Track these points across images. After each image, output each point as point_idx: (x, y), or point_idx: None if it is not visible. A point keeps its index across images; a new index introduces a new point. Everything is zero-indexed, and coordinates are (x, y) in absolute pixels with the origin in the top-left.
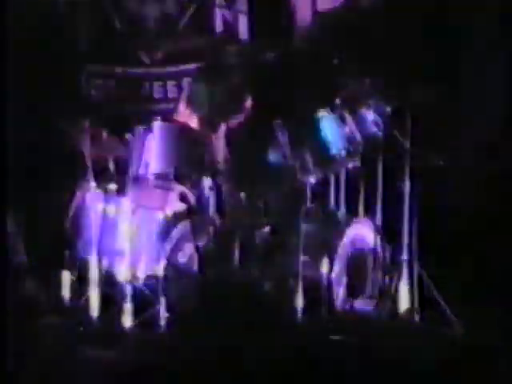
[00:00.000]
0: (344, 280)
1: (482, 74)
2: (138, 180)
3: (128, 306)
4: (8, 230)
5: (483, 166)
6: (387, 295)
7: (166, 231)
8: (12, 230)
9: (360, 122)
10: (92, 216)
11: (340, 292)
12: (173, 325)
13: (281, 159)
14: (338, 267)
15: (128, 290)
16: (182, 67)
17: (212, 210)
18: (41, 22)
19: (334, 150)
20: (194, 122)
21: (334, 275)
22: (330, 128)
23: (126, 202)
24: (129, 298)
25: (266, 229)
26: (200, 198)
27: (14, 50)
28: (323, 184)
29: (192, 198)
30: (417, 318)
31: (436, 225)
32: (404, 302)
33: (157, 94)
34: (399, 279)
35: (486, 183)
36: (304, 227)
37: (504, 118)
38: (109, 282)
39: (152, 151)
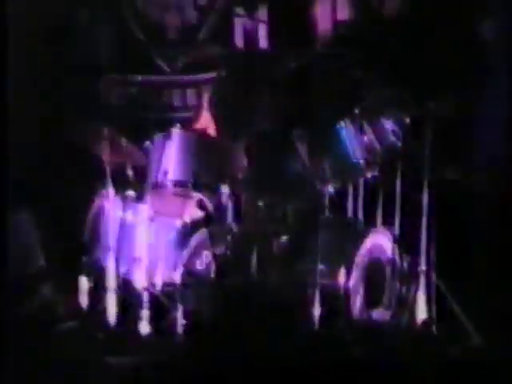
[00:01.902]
0: (361, 290)
1: (503, 87)
2: (156, 187)
3: (145, 313)
4: (26, 235)
5: (502, 177)
6: (405, 306)
7: (183, 239)
8: (31, 236)
9: (379, 132)
10: (110, 223)
11: (357, 302)
12: (190, 332)
13: (300, 168)
14: (355, 277)
15: (145, 297)
16: (202, 76)
17: (230, 218)
18: (62, 32)
19: (352, 160)
20: (213, 130)
21: (351, 285)
22: (349, 138)
23: (145, 209)
24: (146, 305)
25: (284, 238)
26: (218, 206)
27: (36, 58)
28: (342, 194)
29: (210, 206)
30: (434, 329)
31: (455, 235)
32: (421, 313)
33: (176, 102)
34: (417, 290)
35: (504, 195)
36: (322, 236)
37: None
38: (126, 288)
39: (171, 159)
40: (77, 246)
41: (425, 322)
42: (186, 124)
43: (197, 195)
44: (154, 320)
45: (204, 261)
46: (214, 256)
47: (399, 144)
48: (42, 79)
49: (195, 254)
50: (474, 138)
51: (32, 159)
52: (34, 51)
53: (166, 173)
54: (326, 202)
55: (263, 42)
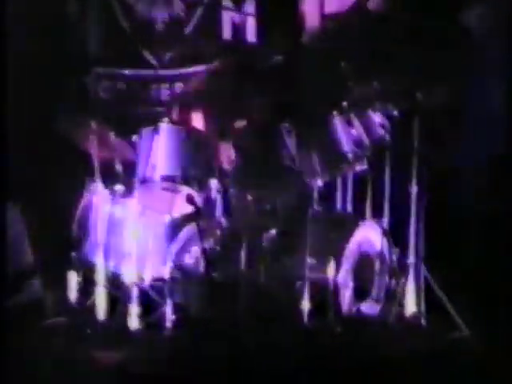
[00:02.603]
0: (350, 283)
1: (491, 78)
2: (145, 182)
3: (134, 308)
4: (13, 230)
5: (492, 168)
6: (394, 298)
7: (172, 233)
8: (18, 231)
9: (367, 125)
10: (99, 218)
11: (347, 295)
12: (179, 327)
13: (288, 162)
14: (344, 270)
15: (134, 292)
16: (190, 69)
17: (219, 212)
18: (49, 23)
19: (341, 153)
20: (201, 124)
21: (340, 278)
22: (338, 131)
23: (133, 204)
24: (135, 300)
25: (273, 231)
26: (207, 200)
27: (20, 50)
28: (330, 187)
29: (199, 201)
30: (423, 321)
31: (443, 228)
32: (411, 306)
33: (164, 96)
34: (406, 282)
35: (496, 186)
36: (311, 230)
37: None
38: (115, 283)
39: (159, 153)
40: (66, 241)
41: (414, 315)
42: (174, 118)
43: (185, 190)
44: (143, 315)
45: (193, 255)
46: (203, 250)
47: (387, 137)
48: (30, 73)
49: (184, 248)
50: (463, 129)
51: (20, 154)
52: (22, 45)
53: (154, 167)
54: (315, 195)
55: (251, 36)
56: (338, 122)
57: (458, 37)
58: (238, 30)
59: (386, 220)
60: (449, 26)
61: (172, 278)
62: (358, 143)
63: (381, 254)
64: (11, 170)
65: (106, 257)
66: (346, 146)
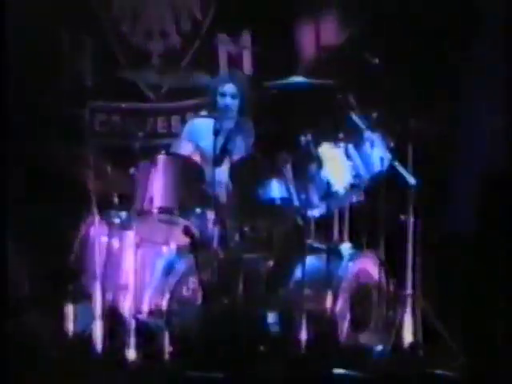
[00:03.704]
0: (348, 314)
1: (483, 100)
2: (142, 214)
3: (132, 340)
4: (10, 263)
5: (487, 193)
6: (391, 329)
7: (170, 265)
8: (15, 264)
9: (364, 156)
10: (96, 249)
11: (344, 326)
12: (177, 358)
13: (285, 193)
14: (341, 301)
15: (132, 323)
16: (186, 102)
17: (216, 243)
18: (44, 58)
19: (338, 184)
20: (197, 156)
21: (337, 309)
22: (335, 162)
23: (131, 236)
24: (133, 332)
25: (270, 262)
26: (204, 231)
27: (17, 84)
28: (327, 218)
29: (196, 232)
30: (421, 351)
31: (440, 258)
32: (408, 336)
33: (161, 129)
34: (403, 313)
35: (493, 214)
36: (308, 261)
37: (507, 144)
38: (113, 315)
39: (156, 185)
40: (63, 273)
41: (411, 345)
42: (171, 151)
43: (183, 221)
44: (140, 346)
45: (190, 287)
46: (201, 282)
47: (384, 168)
48: (26, 107)
49: (182, 280)
50: (457, 156)
51: (18, 186)
52: (20, 77)
53: (151, 199)
54: (312, 226)
55: (247, 68)
56: (334, 153)
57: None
58: (234, 62)
59: (382, 251)
60: (443, 53)
61: (170, 310)
62: (355, 175)
63: (378, 285)
64: (10, 203)
65: (104, 289)
66: (343, 177)
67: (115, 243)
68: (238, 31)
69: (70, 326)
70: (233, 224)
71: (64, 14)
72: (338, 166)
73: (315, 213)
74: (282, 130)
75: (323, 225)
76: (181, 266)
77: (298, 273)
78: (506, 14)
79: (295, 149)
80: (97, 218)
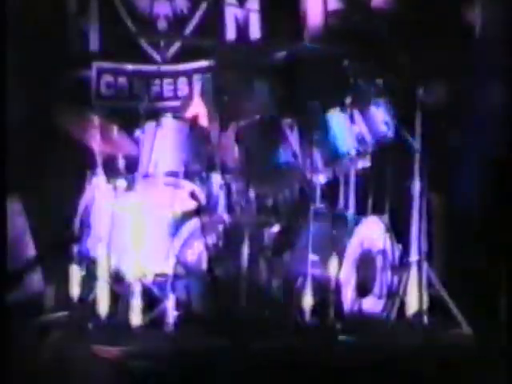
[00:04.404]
0: (353, 280)
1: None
2: (147, 177)
3: (137, 304)
4: (14, 224)
5: (495, 164)
6: (396, 296)
7: (175, 229)
8: (19, 225)
9: (370, 121)
10: (101, 213)
11: (348, 292)
12: (181, 323)
13: (290, 158)
14: (346, 267)
15: (137, 287)
16: (193, 65)
17: (221, 208)
18: (49, 18)
19: (343, 150)
20: (204, 120)
21: (342, 275)
22: (340, 127)
23: (136, 200)
24: (137, 296)
25: (275, 228)
26: (209, 196)
27: (21, 46)
28: (332, 183)
29: (201, 196)
30: (425, 319)
31: (446, 225)
32: (413, 303)
33: (167, 91)
34: (408, 280)
35: (498, 182)
36: (313, 227)
37: None
38: (117, 279)
39: (162, 148)
40: (68, 235)
41: (416, 312)
42: (177, 113)
43: (188, 185)
44: (145, 311)
45: (195, 251)
46: (206, 246)
47: (390, 134)
48: (32, 67)
49: (187, 244)
50: (464, 127)
51: (21, 147)
52: (24, 39)
53: (156, 163)
54: (317, 192)
55: (254, 32)
56: (340, 119)
57: (459, 35)
58: (242, 26)
59: (388, 217)
60: (451, 25)
61: (174, 274)
62: (360, 140)
63: (383, 251)
64: (11, 164)
65: (108, 252)
66: (349, 143)
67: (120, 206)
68: None
69: (75, 290)
70: (239, 188)
71: None
72: (343, 131)
73: (321, 178)
74: (287, 94)
75: (328, 190)
76: (186, 230)
77: (302, 239)
78: None
79: (300, 114)
80: (102, 181)
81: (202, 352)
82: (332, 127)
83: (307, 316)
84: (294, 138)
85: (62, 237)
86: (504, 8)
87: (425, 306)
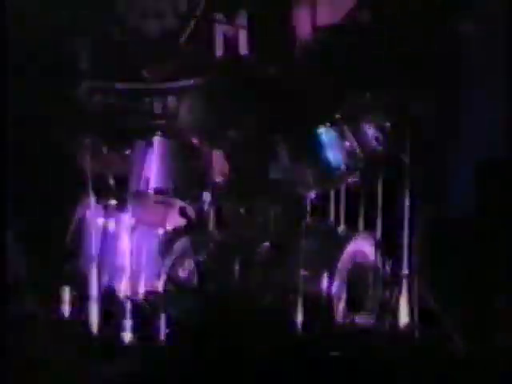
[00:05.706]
0: (344, 295)
1: (483, 87)
2: (138, 195)
3: (128, 322)
4: (7, 244)
5: (485, 178)
6: (387, 310)
7: (166, 247)
8: (12, 245)
9: (360, 136)
10: (92, 232)
11: (340, 307)
12: (173, 340)
13: (281, 174)
14: (338, 282)
15: (128, 305)
16: (183, 83)
17: (212, 224)
18: (39, 35)
19: (334, 165)
20: (194, 137)
21: (334, 290)
22: (330, 143)
23: (127, 218)
24: (129, 314)
25: (266, 243)
26: (200, 212)
27: (13, 62)
28: (323, 199)
29: (192, 213)
30: (417, 332)
31: (437, 239)
32: (404, 317)
33: (157, 110)
34: (399, 293)
35: (491, 197)
36: (304, 242)
37: (506, 131)
38: (109, 297)
39: (152, 166)
40: (59, 255)
41: (408, 326)
42: (167, 131)
43: (178, 202)
44: (136, 329)
45: (186, 268)
46: (197, 263)
47: (380, 149)
48: (21, 84)
49: (178, 261)
50: (454, 140)
51: (15, 166)
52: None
53: (147, 181)
54: (308, 207)
55: (243, 48)
56: (330, 134)
57: (450, 48)
58: (230, 42)
59: (379, 231)
60: (440, 36)
61: (166, 291)
62: (350, 155)
63: (374, 266)
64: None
65: (100, 271)
66: (339, 158)
67: (111, 225)
68: (234, 10)
69: (66, 308)
70: (229, 205)
71: None
72: (334, 147)
73: (311, 194)
74: (277, 110)
75: (319, 206)
76: (177, 248)
77: (293, 254)
78: None
79: (291, 130)
80: (92, 200)
81: (193, 368)
82: (322, 143)
83: (299, 331)
84: (284, 154)
85: (53, 256)
86: (495, 17)
87: (416, 319)
